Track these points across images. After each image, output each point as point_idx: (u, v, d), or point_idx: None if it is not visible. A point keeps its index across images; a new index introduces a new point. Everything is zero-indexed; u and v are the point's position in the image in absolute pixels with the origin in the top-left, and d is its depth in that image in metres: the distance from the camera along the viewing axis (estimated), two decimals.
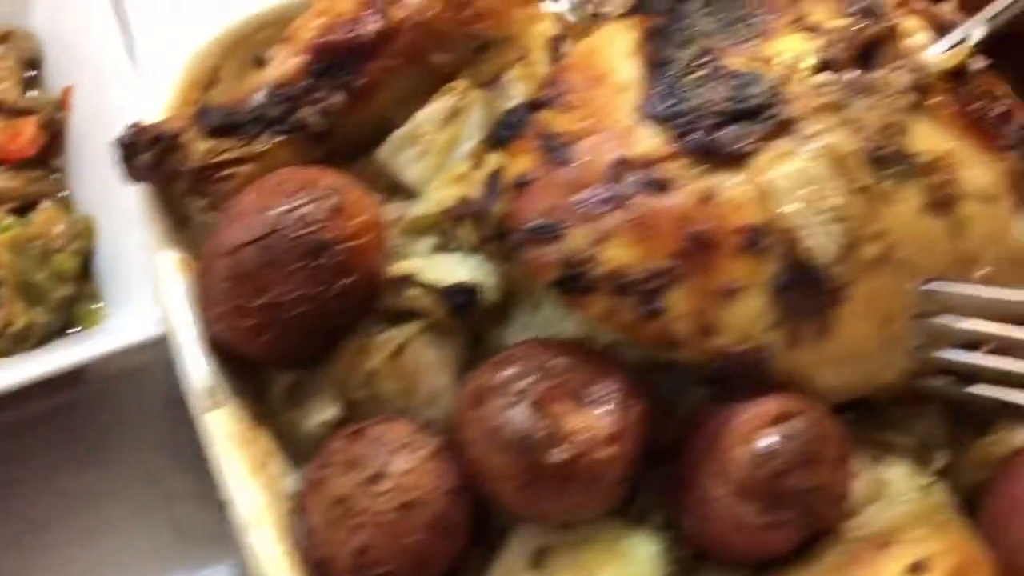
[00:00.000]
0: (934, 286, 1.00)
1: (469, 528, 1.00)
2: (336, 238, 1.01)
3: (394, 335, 1.06)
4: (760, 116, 0.98)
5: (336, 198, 1.03)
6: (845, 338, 0.98)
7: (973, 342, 1.02)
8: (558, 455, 0.92)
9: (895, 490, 1.04)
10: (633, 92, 1.01)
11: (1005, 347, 1.02)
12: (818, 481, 0.95)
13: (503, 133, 1.03)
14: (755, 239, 0.95)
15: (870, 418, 1.06)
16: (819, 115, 0.99)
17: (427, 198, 1.12)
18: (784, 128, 0.98)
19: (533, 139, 1.00)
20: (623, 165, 0.97)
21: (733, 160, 0.96)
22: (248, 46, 1.22)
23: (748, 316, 0.95)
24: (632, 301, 0.94)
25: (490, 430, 0.94)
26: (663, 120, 0.98)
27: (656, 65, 1.01)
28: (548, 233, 0.96)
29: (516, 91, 1.14)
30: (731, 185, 0.96)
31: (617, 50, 1.06)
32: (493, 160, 1.06)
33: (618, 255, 0.95)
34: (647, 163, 0.96)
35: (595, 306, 0.95)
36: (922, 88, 1.02)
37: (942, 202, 1.00)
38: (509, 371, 0.96)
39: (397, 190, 1.15)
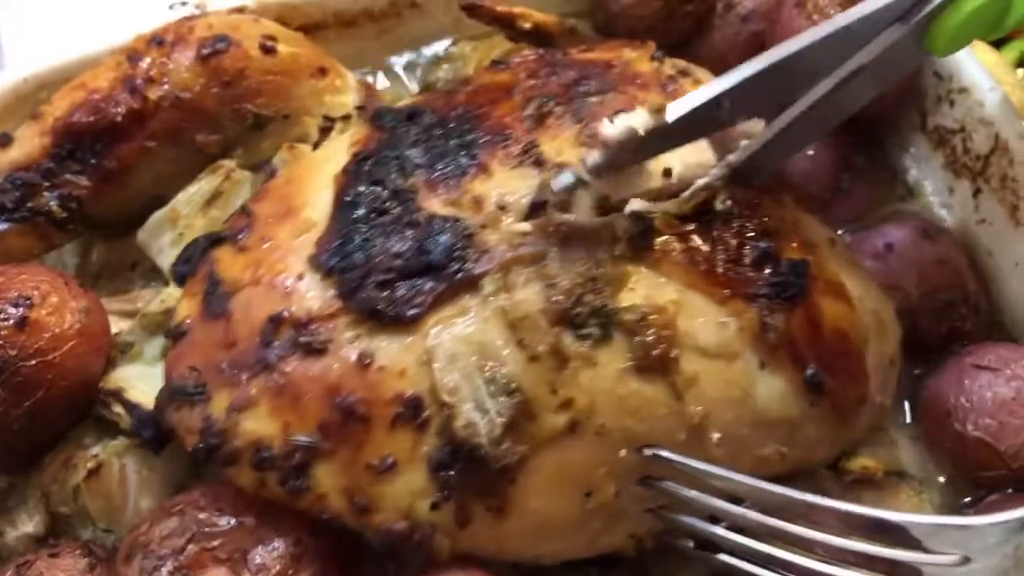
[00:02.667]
0: (653, 452, 0.90)
1: None
2: (16, 356, 0.95)
3: (96, 452, 1.00)
4: (443, 271, 0.88)
5: (23, 311, 0.96)
6: (531, 514, 0.89)
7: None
8: None
9: None
10: (315, 234, 0.91)
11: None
12: None
13: (180, 268, 0.95)
14: (414, 411, 0.86)
15: (634, 567, 0.98)
16: (509, 269, 0.88)
17: (165, 292, 1.05)
18: (468, 285, 0.88)
19: (201, 281, 0.92)
20: (279, 323, 0.88)
21: (400, 322, 0.87)
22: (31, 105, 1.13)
23: (406, 494, 0.87)
24: (276, 476, 0.87)
25: None
26: (332, 273, 0.89)
27: (345, 205, 0.92)
28: (190, 396, 0.88)
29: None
30: (392, 350, 0.87)
31: (323, 176, 0.96)
32: (173, 297, 0.99)
33: (257, 427, 0.87)
34: (305, 322, 0.87)
35: (242, 478, 0.88)
36: (643, 236, 0.90)
37: (656, 362, 0.88)
38: (164, 526, 0.90)
39: (161, 273, 1.08)
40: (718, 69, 1.05)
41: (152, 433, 0.96)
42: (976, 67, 1.09)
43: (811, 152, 1.13)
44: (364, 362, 0.86)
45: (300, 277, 0.89)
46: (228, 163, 1.08)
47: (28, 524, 1.02)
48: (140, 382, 1.01)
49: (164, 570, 0.87)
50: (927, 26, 0.91)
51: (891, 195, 1.18)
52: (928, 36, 0.91)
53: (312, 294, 0.88)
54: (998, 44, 1.23)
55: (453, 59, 1.23)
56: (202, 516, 0.90)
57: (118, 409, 0.99)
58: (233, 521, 0.89)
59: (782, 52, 0.92)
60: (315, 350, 0.87)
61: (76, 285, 1.03)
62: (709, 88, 0.93)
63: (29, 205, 1.07)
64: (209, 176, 1.08)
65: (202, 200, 1.07)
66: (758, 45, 1.13)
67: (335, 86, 1.11)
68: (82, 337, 0.98)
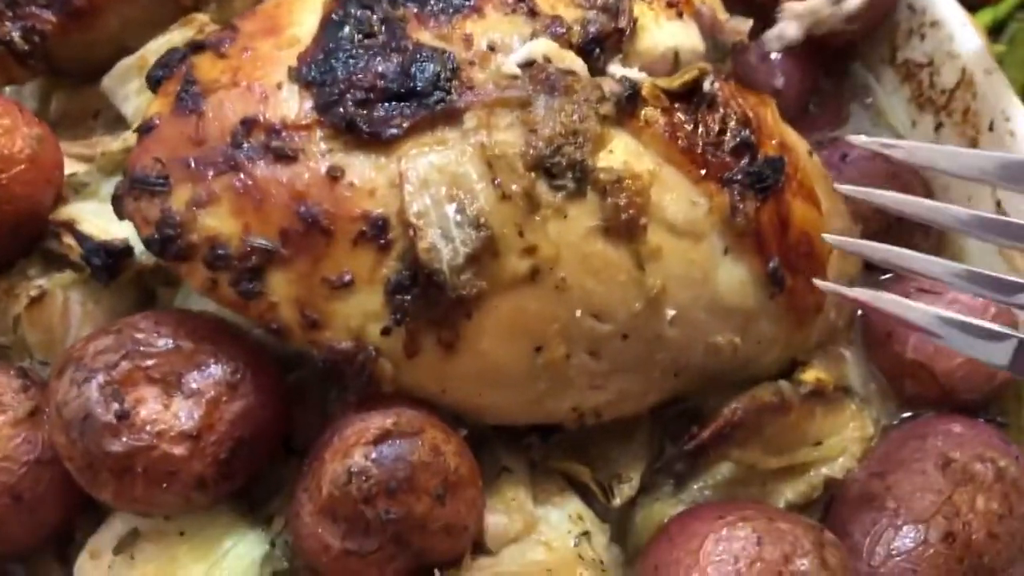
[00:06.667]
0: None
1: (63, 500, 0.92)
2: None
3: (41, 283, 0.97)
4: (426, 98, 0.86)
5: None
6: (480, 356, 0.87)
7: None
8: (117, 444, 0.83)
9: (547, 533, 0.94)
10: (299, 49, 0.89)
11: None
12: (413, 511, 0.84)
13: (157, 73, 0.92)
14: (379, 231, 0.84)
15: (573, 441, 0.97)
16: (493, 109, 0.87)
17: (126, 134, 1.01)
18: (449, 117, 0.86)
19: (175, 82, 0.89)
20: (252, 126, 0.85)
21: (376, 142, 0.85)
22: None
23: (359, 314, 0.84)
24: (229, 277, 0.84)
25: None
26: (312, 85, 0.86)
27: (333, 23, 0.90)
28: (151, 186, 0.85)
29: None
30: (365, 168, 0.84)
31: (313, 2, 0.94)
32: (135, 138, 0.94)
33: (217, 224, 0.84)
34: (278, 128, 0.85)
35: (194, 276, 0.85)
36: (629, 101, 0.90)
37: (624, 227, 0.88)
38: (100, 342, 0.86)
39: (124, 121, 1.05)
40: None
41: (102, 262, 0.93)
42: (949, 1, 1.12)
43: (782, 75, 1.14)
44: (334, 175, 0.84)
45: (279, 86, 0.87)
46: (201, 16, 1.05)
47: None
48: (94, 217, 0.98)
49: (94, 383, 0.84)
50: None
51: (854, 122, 1.20)
52: None
53: (289, 103, 0.86)
54: (972, 9, 1.27)
55: None
56: (140, 336, 0.87)
57: (68, 240, 0.97)
58: (171, 343, 0.87)
59: None
60: (286, 156, 0.84)
61: (31, 114, 1.00)
62: None
63: None
64: (181, 28, 1.05)
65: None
66: None
67: None
68: (32, 164, 0.96)
